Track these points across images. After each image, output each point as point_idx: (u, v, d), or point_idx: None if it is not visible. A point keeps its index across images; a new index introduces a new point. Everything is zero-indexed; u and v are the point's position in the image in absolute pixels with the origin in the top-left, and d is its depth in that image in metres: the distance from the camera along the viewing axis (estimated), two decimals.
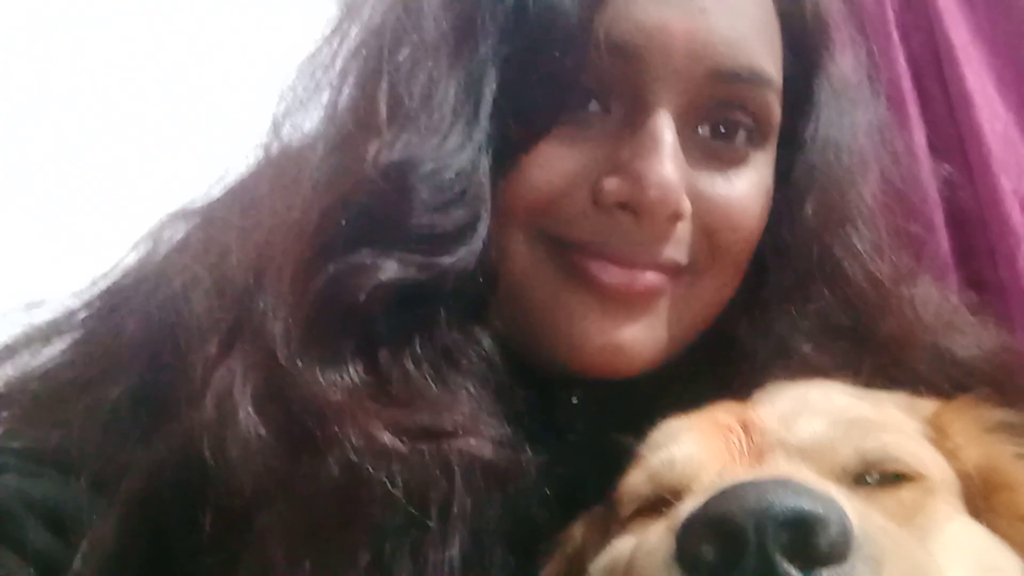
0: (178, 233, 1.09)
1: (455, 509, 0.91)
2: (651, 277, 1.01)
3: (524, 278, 1.02)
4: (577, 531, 0.98)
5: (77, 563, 0.90)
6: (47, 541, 0.92)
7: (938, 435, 0.91)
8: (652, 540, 0.73)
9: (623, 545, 0.84)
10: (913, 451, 0.85)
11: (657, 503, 0.86)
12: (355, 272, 0.96)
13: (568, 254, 1.01)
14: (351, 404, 0.92)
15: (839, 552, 0.65)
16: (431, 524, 0.90)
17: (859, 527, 0.66)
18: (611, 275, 1.00)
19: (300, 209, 0.99)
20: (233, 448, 0.90)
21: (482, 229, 0.98)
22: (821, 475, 0.78)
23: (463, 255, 0.97)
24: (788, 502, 0.65)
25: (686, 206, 1.00)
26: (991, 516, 0.86)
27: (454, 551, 0.91)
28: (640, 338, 1.01)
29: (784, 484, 0.68)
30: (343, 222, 0.97)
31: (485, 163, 1.00)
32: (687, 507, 0.71)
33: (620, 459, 0.94)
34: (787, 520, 0.64)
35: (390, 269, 0.96)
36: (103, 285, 1.11)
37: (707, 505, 0.68)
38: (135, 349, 1.01)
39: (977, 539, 0.83)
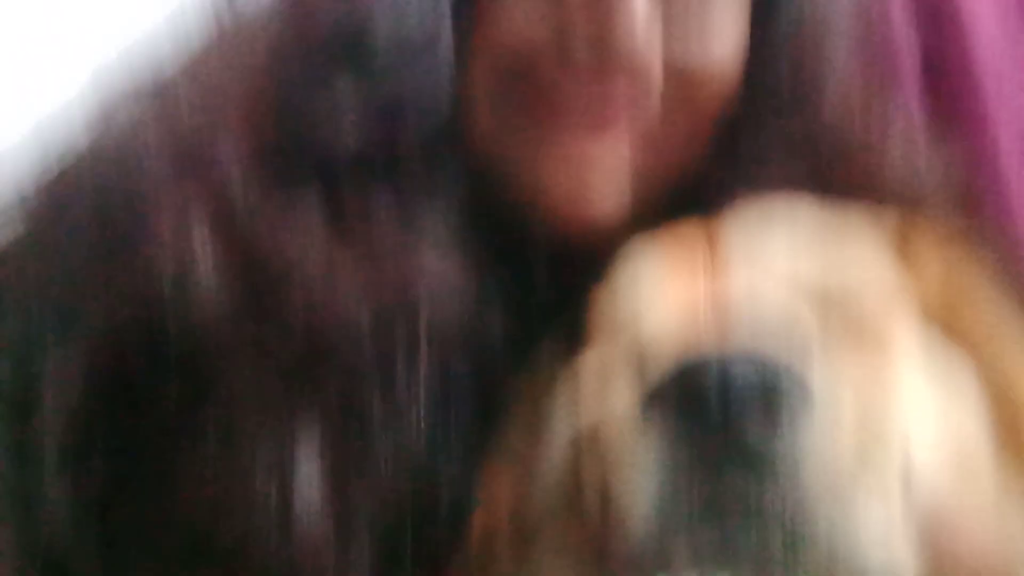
0: (132, 114, 1.05)
1: (422, 361, 0.92)
2: (623, 128, 0.99)
3: (491, 130, 1.00)
4: (542, 377, 0.98)
5: (44, 408, 0.90)
6: (10, 385, 0.92)
7: (902, 250, 0.91)
8: (616, 399, 0.75)
9: (587, 400, 0.85)
10: (876, 271, 0.86)
11: (621, 354, 0.86)
12: (314, 123, 0.95)
13: (537, 110, 0.99)
14: (313, 253, 0.92)
15: (799, 414, 0.67)
16: (398, 372, 0.91)
17: (820, 392, 0.68)
18: (582, 130, 0.98)
19: (257, 74, 0.97)
20: (194, 292, 0.90)
21: (447, 83, 0.96)
22: (787, 317, 0.79)
23: (428, 111, 0.96)
24: (750, 374, 0.67)
25: (657, 71, 0.98)
26: (949, 335, 0.88)
27: (422, 398, 0.92)
28: (609, 186, 1.00)
29: (746, 355, 0.69)
30: (302, 83, 0.95)
31: (448, 20, 0.97)
32: (650, 372, 0.72)
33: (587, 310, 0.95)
34: (749, 389, 0.66)
35: (350, 121, 0.95)
36: (57, 170, 1.08)
37: (672, 376, 0.69)
38: (92, 217, 0.98)
39: (932, 366, 0.84)
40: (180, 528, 0.89)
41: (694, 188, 1.05)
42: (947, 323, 0.87)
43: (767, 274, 0.84)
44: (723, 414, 0.66)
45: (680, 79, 1.00)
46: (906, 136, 1.09)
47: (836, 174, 1.01)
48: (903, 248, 0.91)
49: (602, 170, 1.01)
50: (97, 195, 0.99)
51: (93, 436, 0.91)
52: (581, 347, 0.91)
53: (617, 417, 0.73)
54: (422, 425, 0.93)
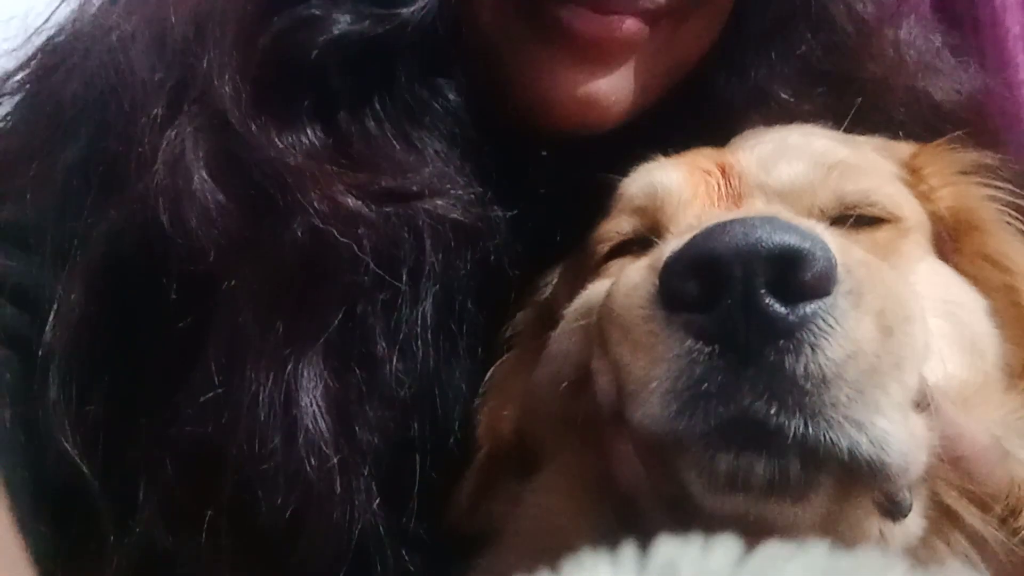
0: (118, 20, 1.00)
1: (425, 269, 0.90)
2: (629, 25, 0.95)
3: (491, 29, 0.97)
4: (549, 279, 0.98)
5: (47, 335, 0.88)
6: (14, 316, 0.89)
7: (913, 178, 0.91)
8: (632, 277, 0.71)
9: (600, 286, 0.83)
10: (890, 194, 0.86)
11: (634, 245, 0.85)
12: (305, 25, 0.91)
13: (543, 5, 0.95)
14: (312, 168, 0.89)
15: (822, 286, 0.64)
16: (401, 284, 0.89)
17: (841, 261, 0.65)
18: (586, 24, 0.94)
19: None
20: (191, 214, 0.87)
21: None
22: (800, 216, 0.78)
23: (422, 4, 0.92)
24: (775, 237, 0.63)
25: None
26: (958, 257, 0.88)
27: (426, 308, 0.91)
28: (615, 91, 0.97)
29: (770, 220, 0.66)
30: None
31: None
32: (668, 246, 0.69)
33: (592, 210, 0.93)
34: (773, 255, 0.62)
35: (343, 21, 0.91)
36: (37, 43, 1.03)
37: (691, 242, 0.66)
38: (79, 112, 0.96)
39: (943, 277, 0.85)
40: (184, 450, 0.87)
41: (703, 102, 1.03)
42: (954, 251, 0.88)
43: (782, 199, 0.83)
44: (744, 275, 0.62)
45: None
46: (921, 63, 1.07)
47: (849, 102, 0.97)
48: (914, 180, 0.91)
49: (609, 72, 0.97)
50: (82, 89, 0.96)
51: (95, 360, 0.89)
52: (590, 269, 0.90)
53: (635, 291, 0.70)
54: (428, 348, 0.91)
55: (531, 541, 0.83)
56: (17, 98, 1.01)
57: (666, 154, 0.92)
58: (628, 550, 0.53)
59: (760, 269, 0.62)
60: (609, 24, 0.94)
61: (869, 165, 0.88)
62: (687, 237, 0.67)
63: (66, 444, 0.86)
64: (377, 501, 0.88)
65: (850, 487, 0.65)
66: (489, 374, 0.94)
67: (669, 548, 0.53)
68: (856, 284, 0.65)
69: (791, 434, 0.62)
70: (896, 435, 0.63)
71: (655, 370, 0.65)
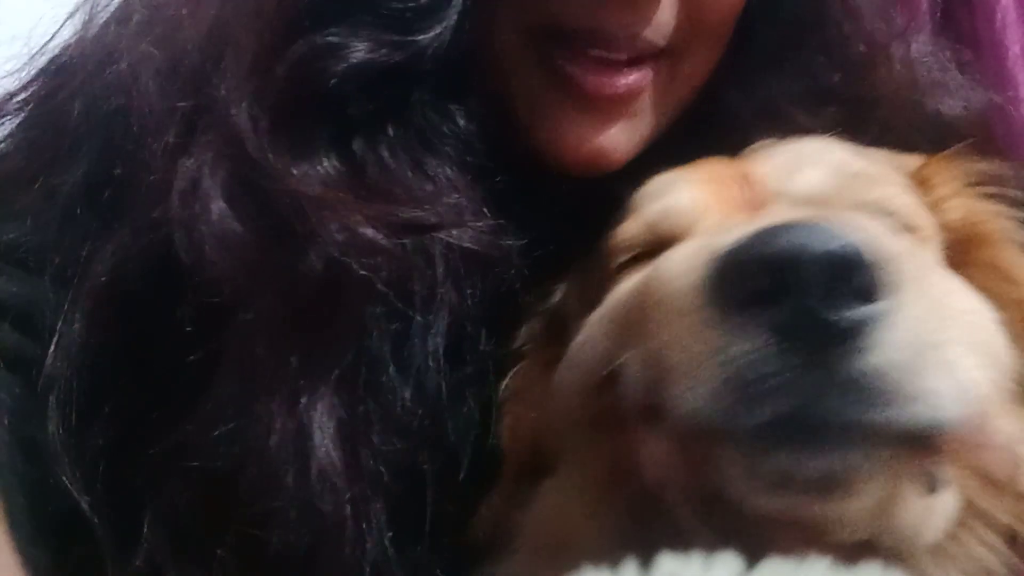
0: (129, 46, 0.99)
1: (438, 299, 0.90)
2: (633, 78, 0.98)
3: (507, 75, 0.99)
4: (557, 288, 0.98)
5: (47, 366, 0.86)
6: (15, 340, 0.88)
7: (922, 189, 0.92)
8: (678, 265, 0.71)
9: (632, 282, 0.82)
10: (907, 204, 0.87)
11: (652, 252, 0.85)
12: (324, 53, 0.91)
13: (553, 59, 0.97)
14: (331, 198, 0.89)
15: (888, 287, 0.64)
16: (415, 315, 0.89)
17: (896, 257, 0.66)
18: (592, 81, 0.97)
19: (263, 9, 0.92)
20: (208, 243, 0.86)
21: (457, 1, 0.93)
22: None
23: (439, 32, 0.93)
24: (843, 241, 0.63)
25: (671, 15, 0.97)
26: (969, 270, 0.88)
27: (438, 338, 0.90)
28: (622, 139, 0.99)
29: (835, 225, 0.66)
30: (311, 17, 0.91)
31: None
32: (721, 239, 0.68)
33: (603, 231, 0.94)
34: (841, 258, 0.63)
35: (362, 49, 0.91)
36: (40, 63, 1.03)
37: (756, 239, 0.65)
38: (84, 134, 0.95)
39: (957, 287, 0.85)
40: (194, 483, 0.85)
41: (711, 117, 1.04)
42: (963, 263, 0.88)
43: (803, 206, 0.83)
44: (815, 277, 0.62)
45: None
46: (930, 81, 1.08)
47: (859, 119, 0.99)
48: (923, 191, 0.91)
49: (616, 122, 0.99)
50: (87, 111, 0.95)
51: (96, 391, 0.88)
52: (603, 278, 0.89)
53: (685, 279, 0.69)
54: (439, 378, 0.90)
55: (541, 544, 0.82)
56: (19, 119, 1.00)
57: (676, 165, 0.93)
58: (629, 566, 0.53)
59: (829, 271, 0.63)
60: (613, 80, 0.97)
61: (885, 175, 0.89)
62: (743, 233, 0.67)
63: (65, 478, 0.85)
64: (390, 534, 0.87)
65: (901, 468, 0.66)
66: (504, 384, 0.93)
67: (670, 565, 0.53)
68: (913, 278, 0.66)
69: (853, 429, 0.63)
70: (952, 391, 0.65)
71: (708, 360, 0.65)
